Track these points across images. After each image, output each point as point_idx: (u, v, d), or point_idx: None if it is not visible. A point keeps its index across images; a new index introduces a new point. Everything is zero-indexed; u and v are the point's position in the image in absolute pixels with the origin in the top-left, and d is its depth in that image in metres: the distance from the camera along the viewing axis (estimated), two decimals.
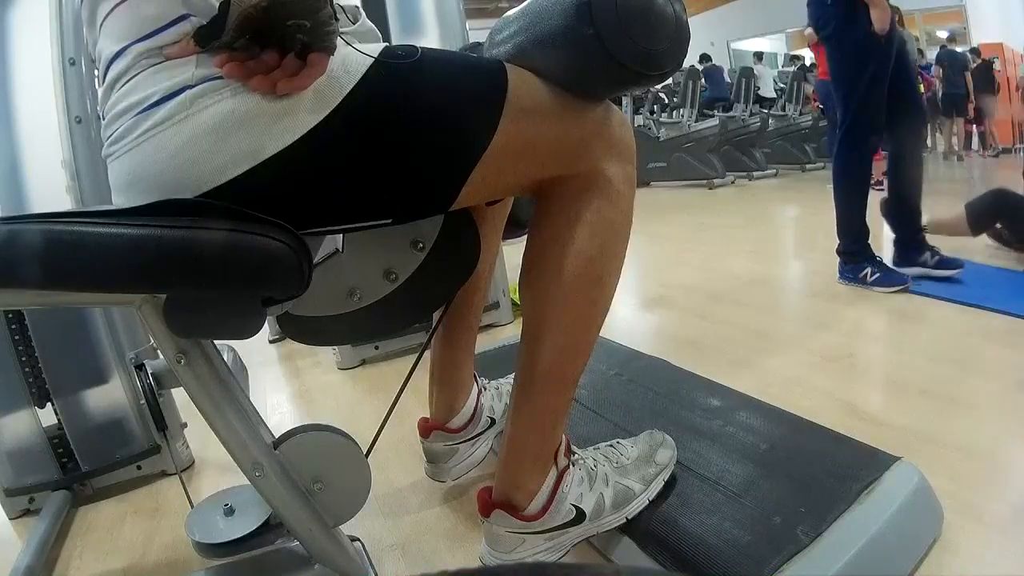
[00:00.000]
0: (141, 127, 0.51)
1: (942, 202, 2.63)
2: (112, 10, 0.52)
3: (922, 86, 4.53)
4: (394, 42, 0.96)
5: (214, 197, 0.51)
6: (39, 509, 1.06)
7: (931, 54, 7.99)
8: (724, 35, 10.73)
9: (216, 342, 0.61)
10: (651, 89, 5.33)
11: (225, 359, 0.61)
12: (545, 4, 0.60)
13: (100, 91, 0.56)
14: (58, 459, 1.10)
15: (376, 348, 1.70)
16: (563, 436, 0.74)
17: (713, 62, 7.54)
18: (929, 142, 6.63)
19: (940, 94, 6.10)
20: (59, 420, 1.09)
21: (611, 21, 0.54)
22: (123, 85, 0.52)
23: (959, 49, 6.16)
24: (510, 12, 0.67)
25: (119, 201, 0.56)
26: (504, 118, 0.58)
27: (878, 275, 1.83)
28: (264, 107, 0.50)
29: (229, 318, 0.53)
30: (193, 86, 0.50)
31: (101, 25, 0.54)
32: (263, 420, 0.64)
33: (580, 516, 0.73)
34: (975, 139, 6.40)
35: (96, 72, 1.09)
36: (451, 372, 0.94)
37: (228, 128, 0.50)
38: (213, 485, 1.14)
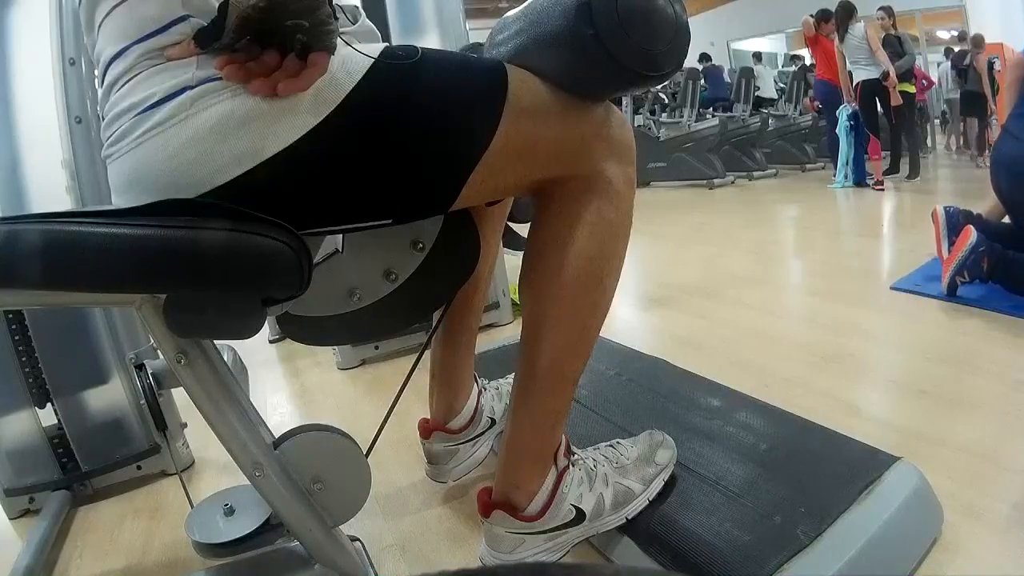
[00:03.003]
0: (141, 128, 0.51)
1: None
2: (110, 12, 0.52)
3: (912, 87, 4.51)
4: (394, 42, 0.96)
5: (214, 197, 0.51)
6: (39, 509, 1.06)
7: (931, 55, 7.98)
8: (724, 35, 10.73)
9: (216, 342, 0.61)
10: (651, 89, 5.33)
11: (225, 359, 0.61)
12: (545, 5, 0.60)
13: (100, 92, 0.56)
14: (58, 459, 1.10)
15: (376, 348, 1.69)
16: (563, 436, 0.74)
17: (713, 62, 7.54)
18: (929, 142, 6.62)
19: (958, 94, 6.09)
20: (59, 420, 1.09)
21: (611, 22, 0.54)
22: (123, 86, 0.52)
23: (965, 47, 6.15)
24: (510, 12, 0.67)
25: (119, 202, 0.56)
26: (504, 119, 0.58)
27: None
28: (264, 107, 0.50)
29: (229, 318, 0.53)
30: (193, 87, 0.50)
31: (99, 27, 0.54)
32: (263, 420, 0.64)
33: (580, 516, 0.73)
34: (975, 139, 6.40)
35: (96, 73, 1.10)
36: (451, 372, 0.94)
37: (228, 128, 0.50)
38: (213, 485, 1.14)
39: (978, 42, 5.50)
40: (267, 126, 0.50)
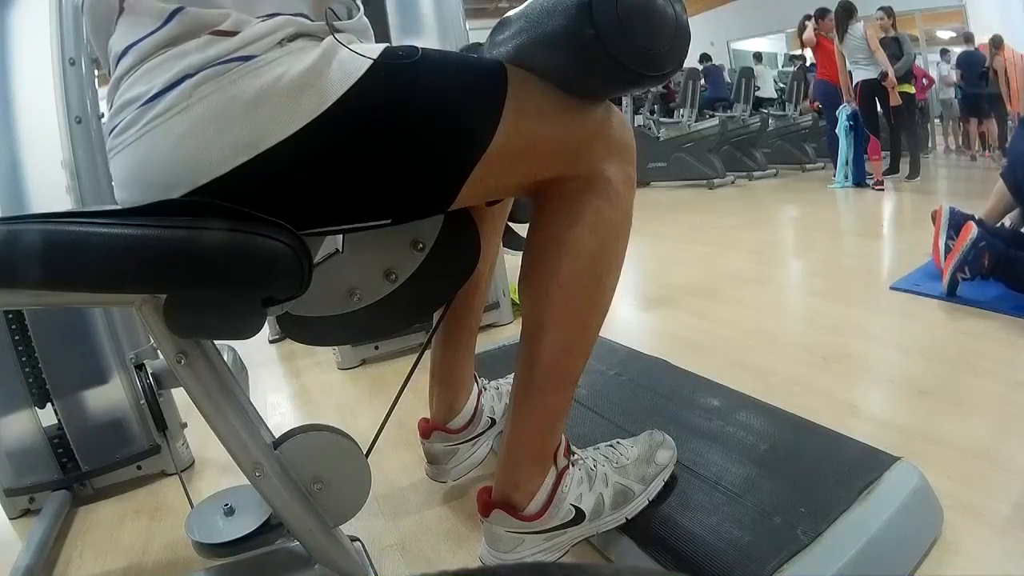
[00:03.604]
0: (144, 119, 0.51)
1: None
2: (122, 10, 0.53)
3: (912, 88, 4.50)
4: (394, 42, 0.96)
5: (214, 188, 0.51)
6: (39, 509, 1.06)
7: (931, 55, 7.97)
8: (724, 35, 10.72)
9: (216, 342, 0.61)
10: (651, 90, 5.33)
11: (225, 359, 0.61)
12: (545, 4, 0.60)
13: (107, 88, 0.57)
14: (58, 459, 1.10)
15: (376, 348, 1.70)
16: (563, 436, 0.74)
17: (713, 62, 7.55)
18: (930, 143, 6.62)
19: (960, 95, 6.10)
20: (59, 420, 1.09)
21: (611, 22, 0.54)
22: (128, 79, 0.53)
23: (971, 48, 6.16)
24: (510, 12, 0.67)
25: (122, 196, 0.56)
26: (504, 119, 0.58)
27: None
28: (264, 97, 0.50)
29: (229, 318, 0.53)
30: (192, 74, 0.50)
31: (115, 25, 0.54)
32: (263, 420, 0.64)
33: (579, 516, 0.73)
34: (975, 140, 6.41)
35: (97, 72, 1.09)
36: (451, 372, 0.94)
37: (228, 117, 0.50)
38: (213, 485, 1.14)
39: (997, 43, 5.51)
40: (266, 116, 0.50)
